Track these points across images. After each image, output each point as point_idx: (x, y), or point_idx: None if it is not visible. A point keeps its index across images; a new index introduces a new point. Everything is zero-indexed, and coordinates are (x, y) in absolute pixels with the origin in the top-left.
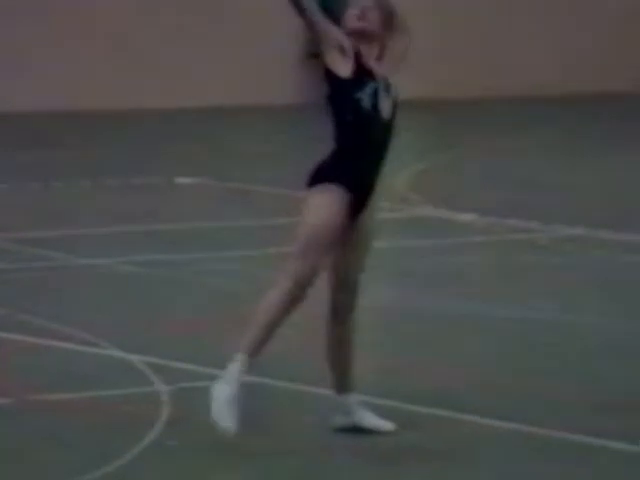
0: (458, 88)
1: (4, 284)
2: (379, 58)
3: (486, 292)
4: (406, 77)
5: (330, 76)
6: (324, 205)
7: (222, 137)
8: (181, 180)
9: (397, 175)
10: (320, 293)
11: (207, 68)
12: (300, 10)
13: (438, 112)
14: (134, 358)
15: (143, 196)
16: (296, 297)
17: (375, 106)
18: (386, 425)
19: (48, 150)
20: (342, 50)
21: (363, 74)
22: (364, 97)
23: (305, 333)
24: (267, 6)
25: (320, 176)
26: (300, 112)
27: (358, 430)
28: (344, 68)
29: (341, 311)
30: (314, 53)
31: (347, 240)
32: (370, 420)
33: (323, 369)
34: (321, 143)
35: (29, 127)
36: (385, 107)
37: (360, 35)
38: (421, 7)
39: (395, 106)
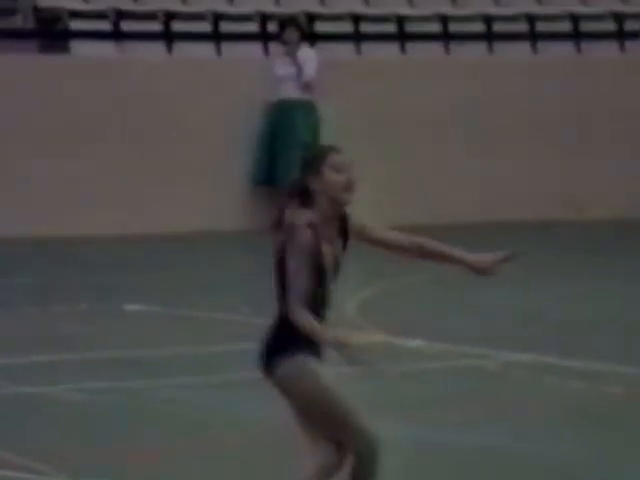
0: (406, 215)
1: None
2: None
3: (437, 418)
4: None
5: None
6: (312, 377)
7: (173, 264)
8: (130, 307)
9: (345, 302)
10: None
11: (158, 195)
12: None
13: None
14: None
15: (92, 323)
16: (371, 443)
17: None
18: None
19: None
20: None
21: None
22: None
23: None
24: (218, 135)
25: (281, 351)
26: (252, 238)
27: None
28: None
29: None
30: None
31: None
32: None
33: None
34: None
35: None
36: (332, 281)
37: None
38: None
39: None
